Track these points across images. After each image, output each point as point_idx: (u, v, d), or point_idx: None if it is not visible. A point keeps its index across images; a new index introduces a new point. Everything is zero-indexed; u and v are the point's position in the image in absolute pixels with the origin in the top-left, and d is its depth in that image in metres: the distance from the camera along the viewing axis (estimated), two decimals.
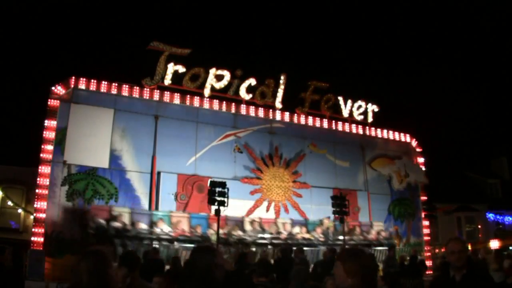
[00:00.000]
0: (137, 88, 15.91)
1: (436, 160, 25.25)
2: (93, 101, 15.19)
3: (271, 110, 18.08)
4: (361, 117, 20.23)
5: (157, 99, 16.06)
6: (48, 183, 13.77)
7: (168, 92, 16.30)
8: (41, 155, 13.93)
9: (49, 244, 13.32)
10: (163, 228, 13.94)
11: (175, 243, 13.73)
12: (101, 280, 3.00)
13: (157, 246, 13.11)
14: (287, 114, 18.44)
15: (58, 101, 14.56)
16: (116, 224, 13.44)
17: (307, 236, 15.74)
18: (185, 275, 3.38)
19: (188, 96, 16.61)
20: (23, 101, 24.70)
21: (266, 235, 15.14)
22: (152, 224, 14.18)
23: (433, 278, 6.54)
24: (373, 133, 20.43)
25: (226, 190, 13.45)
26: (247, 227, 15.57)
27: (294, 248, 12.32)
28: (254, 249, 14.02)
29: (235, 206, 15.17)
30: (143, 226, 13.91)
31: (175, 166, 15.89)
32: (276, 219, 16.70)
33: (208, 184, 13.85)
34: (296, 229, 16.04)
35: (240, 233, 15.00)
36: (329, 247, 14.23)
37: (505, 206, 27.32)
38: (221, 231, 14.30)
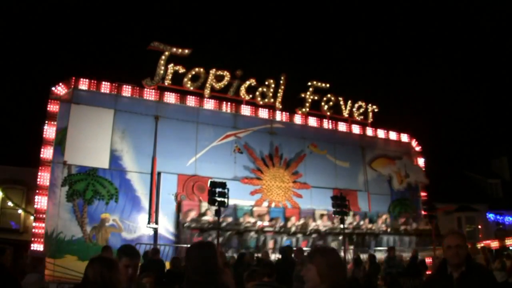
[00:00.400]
0: (137, 88, 15.91)
1: (436, 160, 25.27)
2: (93, 101, 15.19)
3: (271, 111, 18.09)
4: (361, 117, 20.24)
5: (157, 99, 16.07)
6: (48, 183, 13.78)
7: (168, 93, 16.32)
8: (41, 155, 13.94)
9: (49, 245, 13.33)
10: (250, 220, 15.19)
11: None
12: (106, 283, 3.02)
13: (157, 247, 13.11)
14: (287, 114, 18.44)
15: (58, 102, 14.57)
16: (207, 217, 14.60)
17: (370, 226, 17.28)
18: (186, 276, 3.29)
19: (188, 96, 16.61)
20: (23, 101, 24.71)
21: (336, 226, 16.40)
22: (237, 217, 15.52)
23: (428, 276, 6.09)
24: (373, 133, 20.43)
25: (226, 190, 13.44)
26: (318, 220, 16.80)
27: (295, 248, 12.34)
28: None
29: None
30: (230, 219, 15.03)
31: (175, 167, 15.88)
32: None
33: (208, 185, 13.84)
34: (361, 222, 17.33)
35: (314, 224, 16.19)
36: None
37: (506, 206, 27.28)
38: (297, 222, 15.96)
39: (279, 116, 18.24)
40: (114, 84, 15.56)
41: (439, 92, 44.57)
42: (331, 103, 19.45)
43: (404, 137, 21.42)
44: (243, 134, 17.47)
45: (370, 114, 20.47)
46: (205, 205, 14.97)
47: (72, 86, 14.88)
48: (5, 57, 31.48)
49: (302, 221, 16.15)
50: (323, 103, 19.28)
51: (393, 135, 21.07)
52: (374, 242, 17.07)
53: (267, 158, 17.73)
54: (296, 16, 48.56)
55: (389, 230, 17.52)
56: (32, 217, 15.53)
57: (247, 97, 17.58)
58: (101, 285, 3.02)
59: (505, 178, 31.01)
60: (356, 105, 20.11)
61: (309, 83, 19.13)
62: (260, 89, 17.89)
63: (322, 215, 16.93)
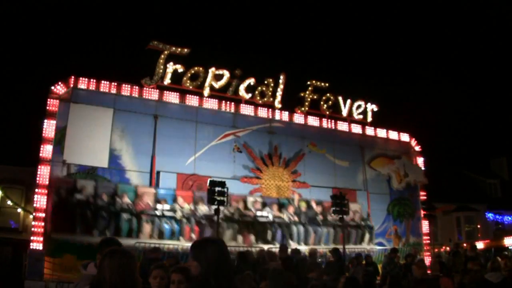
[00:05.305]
0: (137, 87, 15.89)
1: (436, 159, 25.25)
2: (92, 100, 15.16)
3: (270, 110, 18.07)
4: (361, 116, 20.22)
5: (157, 98, 16.05)
6: (47, 182, 13.75)
7: (168, 92, 16.29)
8: (41, 154, 13.89)
9: (48, 244, 13.31)
10: (126, 201, 13.97)
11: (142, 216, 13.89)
12: (127, 280, 2.87)
13: (157, 245, 13.09)
14: (286, 113, 18.43)
15: (58, 101, 14.54)
16: (79, 196, 13.49)
17: (278, 214, 15.74)
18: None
19: (188, 95, 16.59)
20: (22, 101, 24.65)
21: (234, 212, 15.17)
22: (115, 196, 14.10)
23: None
24: (372, 133, 20.42)
25: (225, 189, 13.45)
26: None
27: (291, 248, 12.39)
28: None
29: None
30: (105, 198, 13.85)
31: (175, 166, 15.87)
32: (246, 196, 16.35)
33: (208, 184, 13.85)
34: (267, 208, 15.91)
35: (205, 209, 14.70)
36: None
37: (505, 206, 27.35)
38: (186, 205, 14.64)
39: (278, 115, 18.23)
40: (113, 83, 15.54)
41: (438, 92, 44.57)
42: (330, 102, 19.44)
43: (404, 137, 21.40)
44: (242, 133, 17.46)
45: (370, 113, 20.45)
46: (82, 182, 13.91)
47: (72, 85, 14.84)
48: (4, 56, 31.46)
49: (192, 205, 14.72)
50: (322, 102, 19.26)
51: (392, 135, 21.05)
52: (280, 233, 15.50)
53: (266, 157, 17.71)
54: (295, 15, 48.57)
55: (301, 220, 15.97)
56: (31, 216, 15.52)
57: (246, 96, 17.57)
58: (120, 284, 2.84)
59: (504, 178, 31.09)
60: (356, 104, 20.09)
61: (308, 82, 19.12)
62: (259, 88, 17.87)
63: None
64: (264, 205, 16.09)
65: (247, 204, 15.96)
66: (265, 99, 17.93)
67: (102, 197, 13.73)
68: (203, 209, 14.70)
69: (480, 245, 20.06)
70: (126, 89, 15.72)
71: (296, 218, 15.97)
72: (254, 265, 9.86)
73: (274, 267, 6.43)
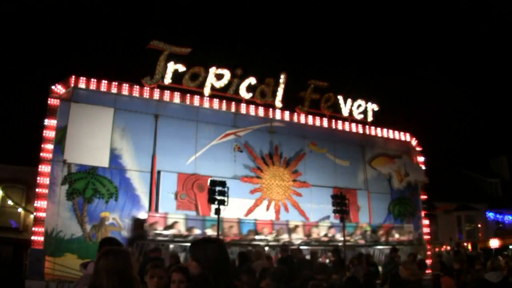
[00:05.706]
0: (137, 87, 15.88)
1: (436, 159, 25.27)
2: (93, 100, 15.16)
3: (271, 109, 18.06)
4: (361, 116, 20.21)
5: (157, 98, 16.04)
6: (48, 182, 13.75)
7: (168, 91, 16.28)
8: (41, 154, 13.92)
9: (49, 243, 13.33)
10: (215, 234, 14.09)
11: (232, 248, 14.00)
12: (123, 280, 2.85)
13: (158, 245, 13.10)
14: (287, 113, 18.42)
15: (58, 100, 14.54)
16: (172, 231, 13.92)
17: (348, 238, 16.31)
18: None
19: (188, 95, 16.58)
20: (23, 100, 24.66)
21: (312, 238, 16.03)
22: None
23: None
24: (373, 132, 20.41)
25: (226, 189, 13.45)
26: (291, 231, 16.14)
27: (293, 247, 12.36)
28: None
29: (235, 205, 15.23)
30: (197, 231, 14.23)
31: (175, 165, 15.87)
32: (318, 222, 17.22)
33: (208, 183, 13.85)
34: (338, 235, 16.55)
35: (286, 237, 15.54)
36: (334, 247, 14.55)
37: (505, 205, 27.37)
38: (269, 237, 15.22)
39: (279, 114, 18.22)
40: (114, 83, 15.54)
41: (438, 92, 44.56)
42: (330, 101, 19.41)
43: (404, 136, 21.41)
44: (243, 133, 17.46)
45: (370, 113, 20.44)
46: (173, 216, 14.61)
47: (72, 85, 14.84)
48: (5, 56, 31.48)
49: (274, 234, 15.50)
50: (322, 102, 19.25)
51: (393, 134, 21.05)
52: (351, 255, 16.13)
53: (267, 156, 17.72)
54: (296, 15, 48.53)
55: (367, 242, 17.11)
56: (32, 216, 15.54)
57: (247, 96, 17.57)
58: (116, 286, 2.83)
59: (505, 177, 31.11)
60: (356, 104, 20.09)
61: (309, 82, 19.11)
62: (260, 87, 17.86)
63: (296, 227, 16.43)
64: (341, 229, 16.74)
65: (320, 231, 16.80)
66: (266, 98, 17.92)
67: (192, 232, 14.18)
68: (283, 237, 15.44)
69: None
70: (126, 89, 15.72)
71: (362, 241, 17.01)
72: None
73: (269, 266, 6.45)
